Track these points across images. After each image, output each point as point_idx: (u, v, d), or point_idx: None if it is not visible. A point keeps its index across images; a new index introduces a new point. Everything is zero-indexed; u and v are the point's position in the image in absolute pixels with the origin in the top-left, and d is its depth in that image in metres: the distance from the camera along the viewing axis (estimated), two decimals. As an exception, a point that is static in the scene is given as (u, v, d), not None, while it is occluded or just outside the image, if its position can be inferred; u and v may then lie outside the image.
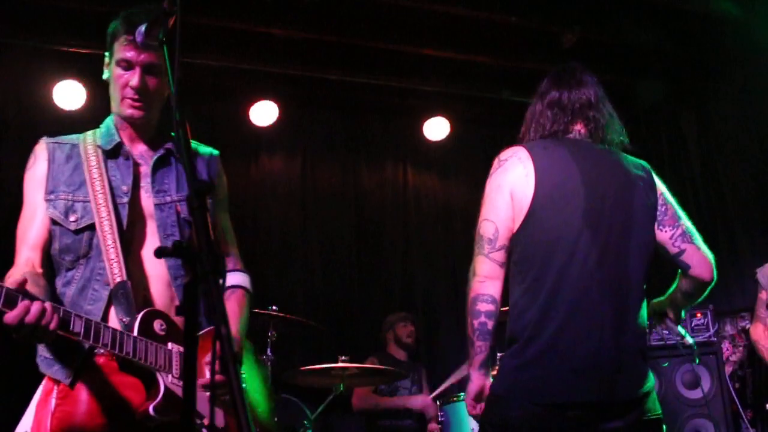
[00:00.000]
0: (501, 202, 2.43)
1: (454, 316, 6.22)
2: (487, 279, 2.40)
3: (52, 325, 1.94)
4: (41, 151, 2.36)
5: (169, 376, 2.17)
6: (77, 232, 2.24)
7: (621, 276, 2.35)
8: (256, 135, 6.11)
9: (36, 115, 5.57)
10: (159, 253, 1.38)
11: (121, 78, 2.31)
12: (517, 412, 2.29)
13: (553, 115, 2.54)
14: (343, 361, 4.34)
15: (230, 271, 2.50)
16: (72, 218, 2.25)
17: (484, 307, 2.37)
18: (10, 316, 1.89)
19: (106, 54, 2.39)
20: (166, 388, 2.14)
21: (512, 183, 2.42)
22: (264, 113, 6.04)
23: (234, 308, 2.42)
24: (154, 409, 2.11)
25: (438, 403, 4.86)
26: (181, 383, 2.10)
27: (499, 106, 6.42)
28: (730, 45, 5.58)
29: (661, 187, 2.53)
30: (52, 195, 2.29)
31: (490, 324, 2.38)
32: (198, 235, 1.28)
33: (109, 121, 2.41)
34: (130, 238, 2.27)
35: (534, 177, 2.39)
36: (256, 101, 5.99)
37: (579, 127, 2.52)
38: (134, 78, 2.28)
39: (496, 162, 2.51)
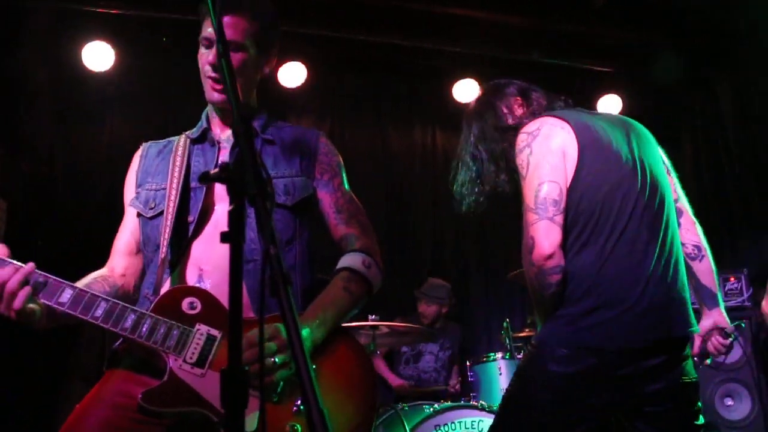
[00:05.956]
0: (558, 163, 2.34)
1: (483, 278, 6.21)
2: (555, 251, 2.26)
3: (11, 284, 1.85)
4: (137, 153, 2.37)
5: (179, 359, 1.93)
6: (152, 218, 2.20)
7: (660, 219, 2.39)
8: (285, 97, 6.07)
9: (66, 78, 5.60)
10: (202, 178, 1.34)
11: (201, 57, 2.19)
12: (558, 368, 2.25)
13: (536, 95, 2.64)
14: (372, 320, 4.34)
15: (348, 251, 2.26)
16: (150, 207, 2.21)
17: (555, 278, 2.28)
18: None
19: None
20: (170, 371, 1.92)
21: (561, 144, 2.37)
22: (292, 75, 6.01)
23: (325, 293, 2.17)
24: (143, 395, 1.87)
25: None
26: (193, 369, 1.92)
27: (530, 67, 6.32)
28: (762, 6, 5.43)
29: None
30: (140, 188, 2.27)
31: (559, 290, 2.30)
32: (243, 159, 1.25)
33: (203, 113, 2.35)
34: (203, 221, 2.16)
35: (574, 134, 2.38)
36: (285, 62, 5.95)
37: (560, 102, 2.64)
38: (210, 54, 2.14)
39: (525, 136, 2.42)
